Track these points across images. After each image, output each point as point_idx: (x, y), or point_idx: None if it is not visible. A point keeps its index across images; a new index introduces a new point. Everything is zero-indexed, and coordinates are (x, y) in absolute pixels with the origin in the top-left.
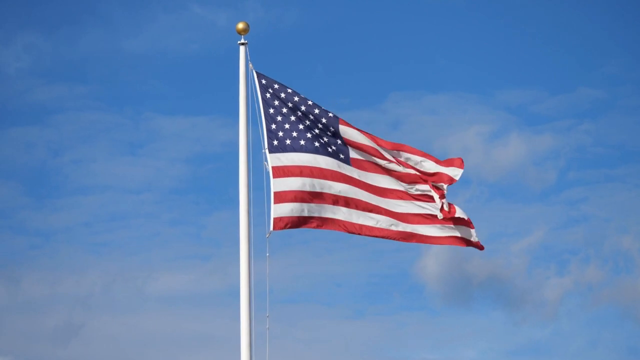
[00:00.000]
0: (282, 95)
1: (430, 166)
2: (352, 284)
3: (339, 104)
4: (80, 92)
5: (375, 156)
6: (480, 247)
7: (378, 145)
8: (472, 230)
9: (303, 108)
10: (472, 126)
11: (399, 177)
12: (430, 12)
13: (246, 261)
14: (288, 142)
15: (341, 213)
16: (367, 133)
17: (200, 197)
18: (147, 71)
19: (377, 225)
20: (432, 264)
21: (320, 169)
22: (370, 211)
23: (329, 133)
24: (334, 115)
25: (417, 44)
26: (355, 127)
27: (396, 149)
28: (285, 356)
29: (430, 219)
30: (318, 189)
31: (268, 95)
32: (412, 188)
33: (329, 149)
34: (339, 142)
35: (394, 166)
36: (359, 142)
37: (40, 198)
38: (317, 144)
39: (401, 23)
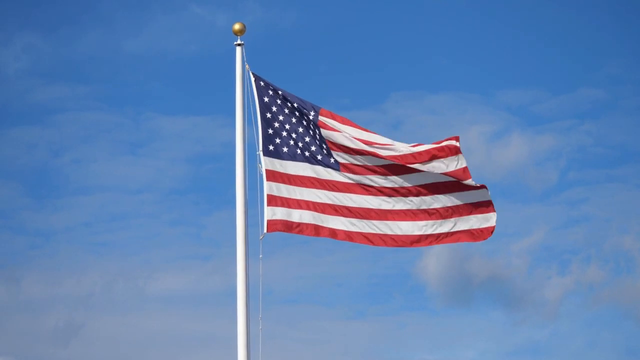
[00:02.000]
0: (280, 99)
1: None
2: (352, 285)
3: (340, 104)
4: (80, 92)
5: (358, 154)
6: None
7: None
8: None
9: (297, 114)
10: (473, 126)
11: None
12: (431, 12)
13: (243, 262)
14: (285, 149)
15: (334, 221)
16: (349, 123)
17: (200, 197)
18: (148, 71)
19: (370, 231)
20: (433, 264)
21: (315, 179)
22: (361, 217)
23: (318, 137)
24: (315, 114)
25: (418, 44)
26: (336, 125)
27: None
28: (285, 357)
29: (421, 214)
30: (312, 198)
31: (266, 99)
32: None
33: (319, 157)
34: (325, 146)
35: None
36: (340, 143)
37: (41, 198)
38: (307, 153)
39: (401, 23)
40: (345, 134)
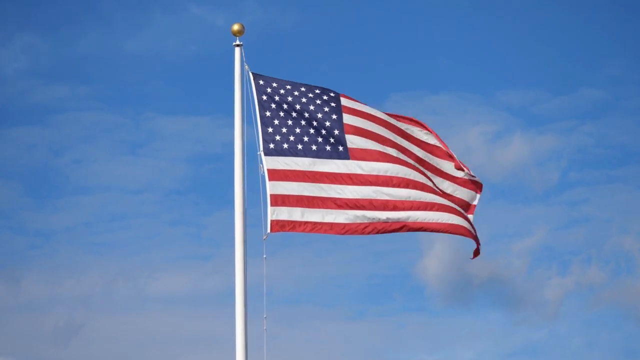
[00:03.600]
0: (279, 95)
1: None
2: (352, 285)
3: None
4: (80, 92)
5: (378, 141)
6: (476, 242)
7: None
8: (471, 217)
9: (298, 107)
10: (474, 127)
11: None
12: (432, 12)
13: (242, 262)
14: (285, 146)
15: (337, 216)
16: (373, 117)
17: (200, 197)
18: (148, 71)
19: (373, 221)
20: (433, 264)
21: (318, 173)
22: (364, 208)
23: (327, 124)
24: (337, 100)
25: (418, 44)
26: (360, 108)
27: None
28: (285, 357)
29: (430, 204)
30: (315, 194)
31: (264, 97)
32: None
33: (327, 148)
34: (337, 132)
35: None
36: (361, 127)
37: (41, 198)
38: (314, 147)
39: (402, 23)
40: (370, 122)
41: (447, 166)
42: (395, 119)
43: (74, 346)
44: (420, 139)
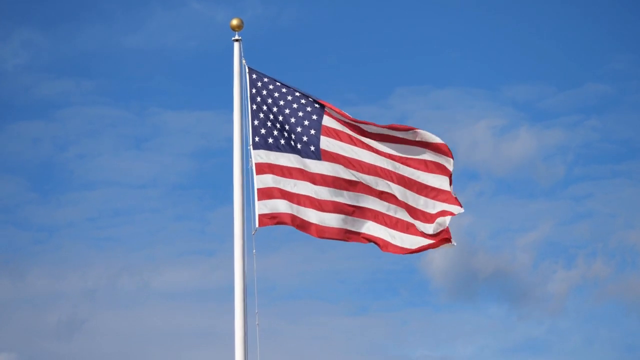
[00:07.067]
0: (268, 90)
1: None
2: (355, 280)
3: (345, 99)
4: (85, 87)
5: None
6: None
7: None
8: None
9: (282, 103)
10: (480, 122)
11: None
12: (436, 7)
13: (240, 258)
14: (270, 140)
15: (316, 216)
16: (353, 127)
17: (204, 192)
18: (150, 67)
19: (346, 227)
20: (438, 259)
21: (299, 170)
22: (340, 212)
23: (305, 123)
24: (320, 106)
25: (423, 38)
26: (342, 120)
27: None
28: (287, 353)
29: (399, 224)
30: (298, 190)
31: (254, 90)
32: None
33: (312, 148)
34: (313, 132)
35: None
36: (340, 137)
37: (45, 193)
38: (294, 143)
39: (406, 18)
40: (348, 131)
41: (434, 180)
42: (390, 129)
43: (77, 341)
44: (408, 155)
